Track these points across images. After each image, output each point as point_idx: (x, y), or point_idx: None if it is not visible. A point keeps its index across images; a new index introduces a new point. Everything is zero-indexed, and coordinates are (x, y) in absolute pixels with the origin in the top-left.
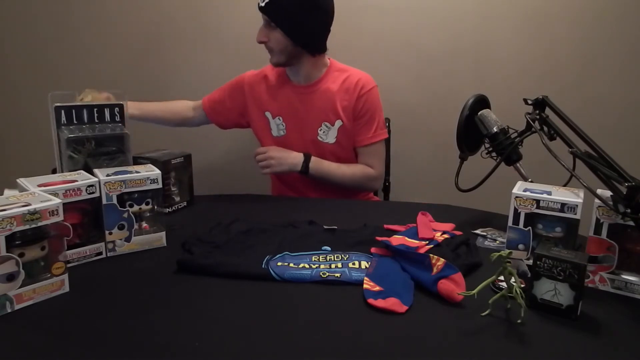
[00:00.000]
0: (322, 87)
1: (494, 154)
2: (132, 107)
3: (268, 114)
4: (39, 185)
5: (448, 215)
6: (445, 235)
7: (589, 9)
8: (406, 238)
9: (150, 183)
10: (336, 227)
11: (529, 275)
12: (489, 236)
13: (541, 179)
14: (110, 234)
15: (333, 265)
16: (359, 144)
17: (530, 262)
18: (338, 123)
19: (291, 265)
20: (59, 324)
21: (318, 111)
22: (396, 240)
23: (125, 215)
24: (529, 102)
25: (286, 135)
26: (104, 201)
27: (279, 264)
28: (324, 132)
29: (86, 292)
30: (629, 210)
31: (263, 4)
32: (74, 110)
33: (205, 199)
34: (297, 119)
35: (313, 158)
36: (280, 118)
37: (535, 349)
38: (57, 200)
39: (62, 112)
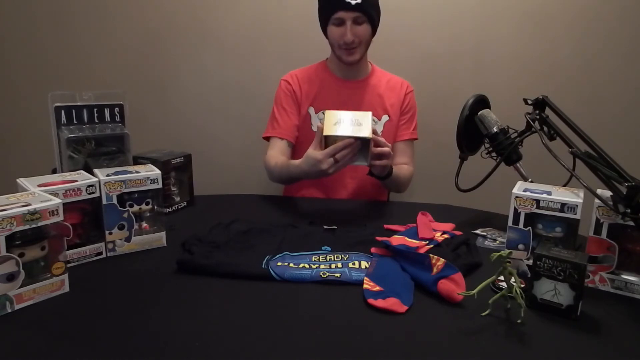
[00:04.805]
0: (371, 83)
1: (494, 154)
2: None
3: (311, 109)
4: (39, 185)
5: (448, 215)
6: (445, 235)
7: (589, 9)
8: (406, 238)
9: (150, 183)
10: (336, 227)
11: (529, 275)
12: (489, 236)
13: (541, 179)
14: (110, 234)
15: (333, 265)
16: (400, 137)
17: (530, 262)
18: (385, 118)
19: (291, 265)
20: (59, 324)
21: (367, 105)
22: (396, 240)
23: (125, 215)
24: (529, 102)
25: None
26: (104, 201)
27: (279, 264)
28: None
29: (86, 292)
30: (629, 210)
31: (360, 1)
32: (74, 110)
33: (205, 199)
34: None
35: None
36: (325, 112)
37: (535, 349)
38: (57, 200)
39: (62, 112)
